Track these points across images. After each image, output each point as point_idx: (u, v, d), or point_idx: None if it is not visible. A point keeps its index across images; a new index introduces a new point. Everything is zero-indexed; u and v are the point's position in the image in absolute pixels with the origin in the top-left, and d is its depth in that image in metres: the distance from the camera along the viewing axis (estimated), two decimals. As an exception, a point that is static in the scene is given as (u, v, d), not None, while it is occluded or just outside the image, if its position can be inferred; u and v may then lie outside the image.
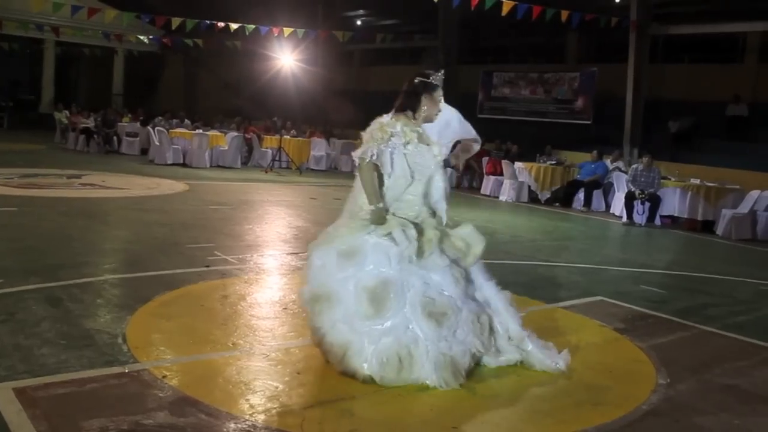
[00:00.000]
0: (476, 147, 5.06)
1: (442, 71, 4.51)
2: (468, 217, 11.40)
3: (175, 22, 17.54)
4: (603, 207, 14.36)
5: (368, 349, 3.90)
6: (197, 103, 29.45)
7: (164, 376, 3.78)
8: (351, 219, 4.25)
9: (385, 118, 4.29)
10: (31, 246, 6.81)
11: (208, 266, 6.41)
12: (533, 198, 15.23)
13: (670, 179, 13.20)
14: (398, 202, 4.23)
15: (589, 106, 18.64)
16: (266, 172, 17.02)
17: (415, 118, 4.33)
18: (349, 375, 3.90)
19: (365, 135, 4.23)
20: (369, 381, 3.86)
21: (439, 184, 4.33)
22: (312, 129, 21.23)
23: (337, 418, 3.45)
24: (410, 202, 4.25)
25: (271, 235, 8.74)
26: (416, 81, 4.35)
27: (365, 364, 3.89)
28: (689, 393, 4.20)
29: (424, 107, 4.35)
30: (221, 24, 18.28)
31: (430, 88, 4.35)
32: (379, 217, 4.10)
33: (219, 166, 17.31)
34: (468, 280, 4.30)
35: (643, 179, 12.54)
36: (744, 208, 12.03)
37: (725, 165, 14.25)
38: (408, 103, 4.35)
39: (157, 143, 17.17)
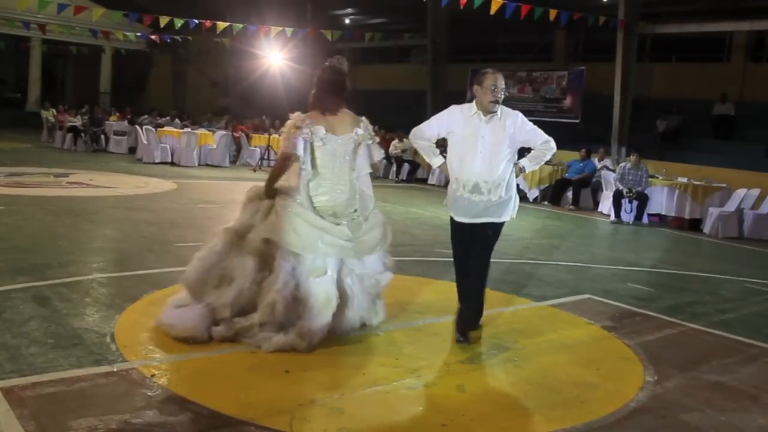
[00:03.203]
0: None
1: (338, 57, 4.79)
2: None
3: (163, 20, 17.46)
4: (591, 205, 14.41)
5: None
6: (185, 101, 29.35)
7: (153, 375, 3.78)
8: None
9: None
10: (18, 245, 6.77)
11: (196, 265, 6.39)
12: (521, 196, 14.99)
13: (657, 178, 13.27)
14: None
15: (577, 104, 18.72)
16: (255, 170, 16.98)
17: None
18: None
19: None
20: None
21: None
22: (301, 128, 21.18)
23: (326, 416, 3.46)
24: None
25: (260, 234, 8.71)
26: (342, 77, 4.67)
27: None
28: (676, 390, 4.23)
29: None
30: (209, 22, 18.22)
31: None
32: None
33: (207, 165, 17.26)
34: None
35: (630, 178, 12.60)
36: (731, 206, 12.11)
37: (712, 163, 14.33)
38: None
39: (145, 142, 17.10)
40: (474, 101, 4.82)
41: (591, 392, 4.09)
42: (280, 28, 18.44)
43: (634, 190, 12.49)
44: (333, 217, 4.52)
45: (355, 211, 4.63)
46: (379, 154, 4.79)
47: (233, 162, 18.58)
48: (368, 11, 24.33)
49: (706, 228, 12.08)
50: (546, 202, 14.83)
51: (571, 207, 14.24)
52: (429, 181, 17.55)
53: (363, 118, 4.75)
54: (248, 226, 4.63)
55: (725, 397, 4.18)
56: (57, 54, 30.41)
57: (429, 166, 17.65)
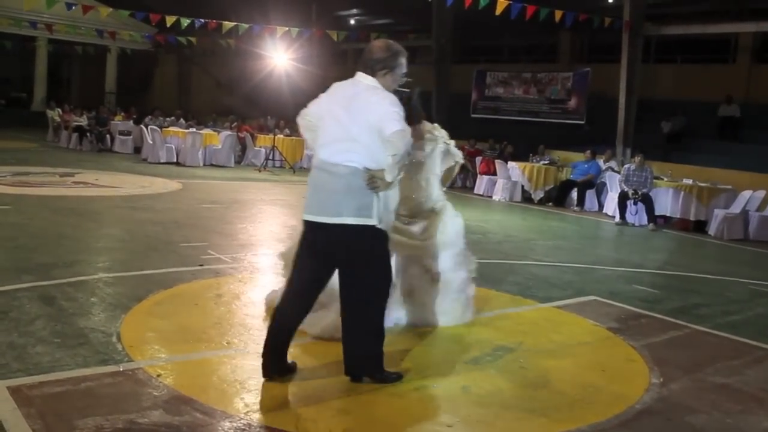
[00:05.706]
0: None
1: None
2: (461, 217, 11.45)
3: (170, 20, 17.49)
4: (596, 207, 14.39)
5: None
6: (190, 101, 29.41)
7: (159, 375, 3.78)
8: None
9: None
10: (23, 244, 6.78)
11: (201, 265, 6.41)
12: (526, 198, 15.26)
13: (662, 179, 13.25)
14: None
15: (582, 105, 18.69)
16: (260, 171, 17.00)
17: None
18: None
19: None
20: None
21: None
22: (306, 128, 21.20)
23: (332, 417, 3.46)
24: None
25: (265, 234, 8.74)
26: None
27: None
28: (682, 392, 4.22)
29: None
30: (215, 22, 18.25)
31: None
32: None
33: (212, 165, 17.28)
34: None
35: (635, 179, 12.57)
36: (736, 208, 12.08)
37: (717, 165, 14.32)
38: None
39: (150, 142, 17.13)
40: (378, 84, 3.96)
41: (596, 394, 4.08)
42: (286, 29, 18.47)
43: (639, 192, 12.47)
44: (406, 217, 4.69)
45: (431, 209, 4.87)
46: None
47: (238, 162, 18.60)
48: (373, 12, 24.32)
49: (711, 230, 12.05)
50: (550, 204, 14.81)
51: (575, 208, 14.22)
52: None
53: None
54: None
55: (731, 400, 4.17)
56: (63, 54, 30.51)
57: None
